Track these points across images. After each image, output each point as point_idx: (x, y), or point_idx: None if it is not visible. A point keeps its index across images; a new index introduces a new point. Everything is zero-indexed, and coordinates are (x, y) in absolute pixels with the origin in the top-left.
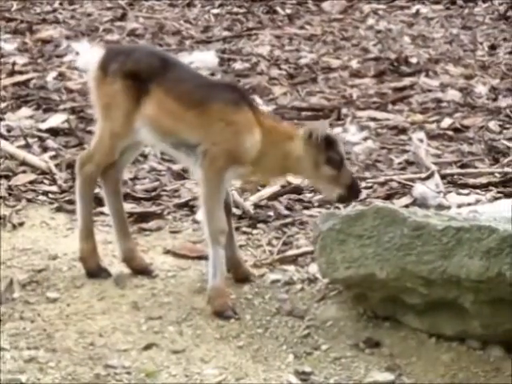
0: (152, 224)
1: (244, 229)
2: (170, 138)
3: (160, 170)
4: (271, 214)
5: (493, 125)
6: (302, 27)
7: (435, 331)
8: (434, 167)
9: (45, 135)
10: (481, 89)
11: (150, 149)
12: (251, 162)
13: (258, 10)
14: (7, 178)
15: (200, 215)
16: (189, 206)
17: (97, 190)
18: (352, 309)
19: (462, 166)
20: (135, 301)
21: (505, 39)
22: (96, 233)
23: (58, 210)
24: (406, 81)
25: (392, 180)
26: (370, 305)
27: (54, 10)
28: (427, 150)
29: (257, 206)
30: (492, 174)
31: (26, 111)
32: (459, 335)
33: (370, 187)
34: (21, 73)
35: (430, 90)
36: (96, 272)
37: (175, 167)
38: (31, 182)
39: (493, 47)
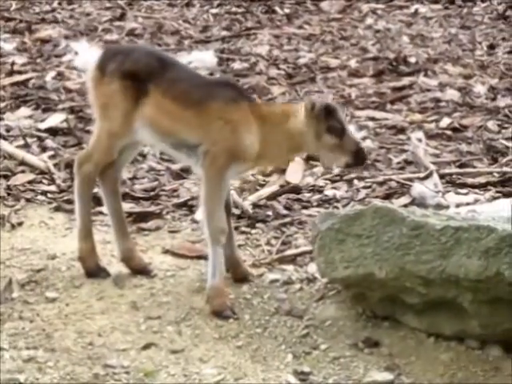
0: (151, 224)
1: (243, 228)
2: (169, 138)
3: (159, 170)
4: (270, 213)
5: (491, 124)
6: (300, 27)
7: (434, 331)
8: (432, 167)
9: (44, 135)
10: (479, 88)
11: (149, 148)
12: (256, 154)
13: (256, 10)
14: (6, 177)
15: (200, 215)
16: (188, 206)
17: (95, 190)
18: (351, 308)
19: (461, 166)
20: (134, 300)
21: (503, 39)
22: (95, 232)
23: (57, 209)
24: (405, 80)
25: (391, 180)
26: (368, 304)
27: (53, 10)
28: (426, 149)
29: (255, 205)
30: (491, 173)
31: (24, 111)
32: (458, 335)
33: (369, 187)
34: (20, 72)
35: (428, 90)
36: (95, 272)
37: (174, 167)
38: (30, 182)
39: (491, 47)
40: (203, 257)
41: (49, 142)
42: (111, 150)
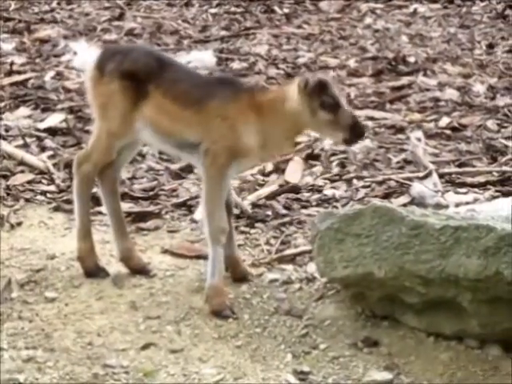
0: (150, 223)
1: (242, 228)
2: (171, 138)
3: (158, 170)
4: (269, 213)
5: (491, 124)
6: (299, 26)
7: (433, 330)
8: (431, 166)
9: (43, 135)
10: (479, 88)
11: (148, 148)
12: (259, 146)
13: (255, 10)
14: (5, 177)
15: (200, 214)
16: (187, 206)
17: (94, 190)
18: (350, 308)
19: (460, 165)
20: (133, 300)
21: (502, 38)
22: (94, 232)
23: (56, 209)
24: (404, 80)
25: (390, 179)
26: (368, 304)
27: (52, 10)
28: (425, 149)
29: (255, 205)
30: (490, 172)
31: (24, 111)
32: (457, 334)
33: (368, 186)
34: (19, 72)
35: (427, 89)
36: (94, 271)
37: (173, 167)
38: (29, 182)
39: (491, 46)
40: (202, 256)
41: (48, 142)
42: (110, 150)
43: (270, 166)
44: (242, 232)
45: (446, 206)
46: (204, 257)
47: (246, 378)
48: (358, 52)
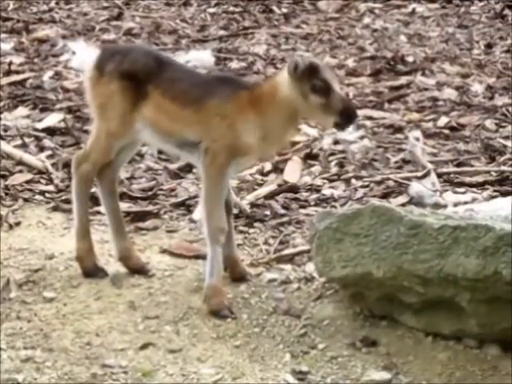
0: (148, 223)
1: (241, 228)
2: (171, 138)
3: (156, 170)
4: (268, 212)
5: (489, 123)
6: (298, 26)
7: (432, 330)
8: (430, 166)
9: (41, 135)
10: (477, 87)
11: (147, 148)
12: (258, 141)
13: (254, 9)
14: (4, 177)
15: (199, 214)
16: (185, 206)
17: (93, 190)
18: (349, 308)
19: (459, 165)
20: (132, 300)
21: (501, 38)
22: (92, 232)
23: (55, 209)
24: (403, 79)
25: (388, 179)
26: (366, 304)
27: (51, 10)
28: (423, 148)
29: (253, 204)
30: (488, 172)
31: (22, 111)
32: (456, 334)
33: (367, 186)
34: (17, 72)
35: (426, 89)
36: (92, 271)
37: (172, 166)
38: (28, 182)
39: (489, 46)
40: (201, 256)
41: (46, 142)
42: (109, 150)
43: (268, 166)
44: (241, 232)
45: (445, 206)
46: (203, 257)
47: (244, 378)
48: (356, 52)
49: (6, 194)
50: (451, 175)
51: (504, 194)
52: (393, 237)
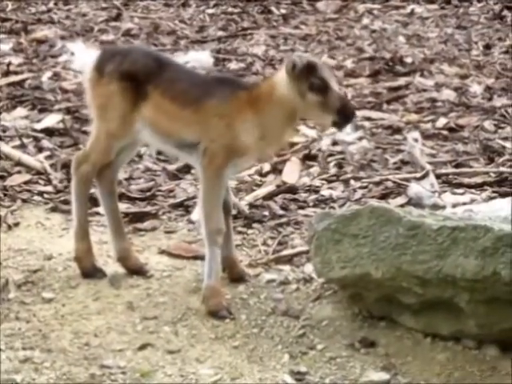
0: (147, 224)
1: (239, 228)
2: (170, 138)
3: (155, 170)
4: (266, 213)
5: (488, 124)
6: (296, 27)
7: (431, 331)
8: (428, 167)
9: (40, 135)
10: (476, 88)
11: (145, 149)
12: (257, 141)
13: (252, 10)
14: (2, 178)
15: (197, 214)
16: (184, 206)
17: (92, 190)
18: (347, 308)
19: (457, 166)
20: (130, 301)
21: (500, 39)
22: (91, 233)
23: (53, 210)
24: (401, 80)
25: (387, 180)
26: (365, 304)
27: (49, 10)
28: (422, 149)
29: (252, 205)
30: (487, 173)
31: (21, 111)
32: (455, 335)
33: (366, 187)
34: (16, 73)
35: (424, 90)
36: (91, 272)
37: (170, 167)
38: (26, 183)
39: (488, 47)
40: (199, 257)
41: (45, 143)
42: (109, 151)
43: (267, 167)
44: (240, 232)
45: (443, 207)
46: (201, 257)
47: (242, 379)
48: (355, 52)
49: (5, 194)
50: (450, 176)
51: (503, 195)
52: (391, 238)
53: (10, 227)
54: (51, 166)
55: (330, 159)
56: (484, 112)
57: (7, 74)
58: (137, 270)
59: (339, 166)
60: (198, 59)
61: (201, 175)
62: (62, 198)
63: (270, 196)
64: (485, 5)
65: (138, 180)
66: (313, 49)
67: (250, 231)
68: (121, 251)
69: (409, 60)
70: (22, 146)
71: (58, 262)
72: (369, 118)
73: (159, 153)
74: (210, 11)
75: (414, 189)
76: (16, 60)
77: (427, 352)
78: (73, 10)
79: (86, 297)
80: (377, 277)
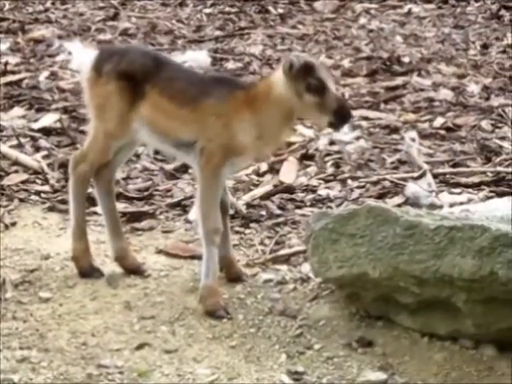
0: (144, 224)
1: (237, 228)
2: (168, 137)
3: (152, 170)
4: (263, 213)
5: (485, 124)
6: (294, 27)
7: (428, 330)
8: (426, 166)
9: (37, 135)
10: (473, 88)
11: (143, 148)
12: (254, 140)
13: (250, 10)
14: None
15: (195, 214)
16: (181, 206)
17: (89, 190)
18: (344, 308)
19: (455, 166)
20: (128, 300)
21: (497, 38)
22: (88, 232)
23: (51, 209)
24: (399, 80)
25: (384, 179)
26: (362, 304)
27: (46, 10)
28: (419, 149)
29: (249, 205)
30: (484, 173)
31: (18, 111)
32: (452, 334)
33: (363, 186)
34: (13, 72)
35: (422, 90)
36: (88, 272)
37: (168, 167)
38: (23, 182)
39: (485, 46)
40: (197, 257)
41: (42, 142)
42: (107, 151)
43: (264, 167)
44: (237, 232)
45: (441, 207)
46: (198, 257)
47: (240, 379)
48: (352, 52)
49: (2, 194)
50: (447, 176)
51: (500, 195)
52: (389, 237)
53: (7, 227)
54: (48, 165)
55: (327, 159)
56: (481, 112)
57: (4, 73)
58: (134, 270)
59: (336, 165)
60: (196, 59)
61: (198, 175)
62: (59, 198)
63: (267, 196)
64: (482, 4)
65: (136, 180)
66: (310, 48)
67: (247, 231)
68: (118, 251)
69: (406, 59)
70: (20, 146)
71: (56, 261)
72: (366, 118)
73: (157, 152)
74: (208, 11)
75: (412, 188)
76: (13, 59)
77: (424, 352)
78: (70, 10)
79: (83, 296)
80: (374, 276)
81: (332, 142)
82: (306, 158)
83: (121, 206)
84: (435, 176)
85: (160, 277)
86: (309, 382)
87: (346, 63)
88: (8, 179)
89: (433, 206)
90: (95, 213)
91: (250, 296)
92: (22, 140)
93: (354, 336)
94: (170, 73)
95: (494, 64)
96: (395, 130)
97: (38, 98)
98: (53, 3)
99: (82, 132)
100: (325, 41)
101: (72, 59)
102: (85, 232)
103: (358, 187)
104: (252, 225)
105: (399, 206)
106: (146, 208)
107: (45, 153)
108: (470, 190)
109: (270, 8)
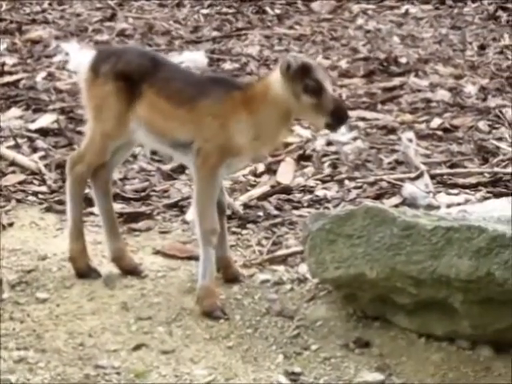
0: (141, 224)
1: (233, 229)
2: (164, 138)
3: (149, 171)
4: (261, 214)
5: (482, 125)
6: (291, 27)
7: (425, 331)
8: (423, 167)
9: (34, 135)
10: (470, 89)
11: (140, 149)
12: (251, 141)
13: (247, 10)
14: None
15: (191, 215)
16: (178, 207)
17: (86, 191)
18: (342, 309)
19: (452, 166)
20: (125, 301)
21: (494, 39)
22: (86, 233)
23: (48, 210)
24: (396, 81)
25: (382, 180)
26: (359, 305)
27: (44, 11)
28: (416, 149)
29: (246, 206)
30: (481, 173)
31: (15, 111)
32: (449, 335)
33: (360, 187)
34: (10, 73)
35: (419, 90)
36: (86, 272)
37: (165, 167)
38: (21, 183)
39: (482, 47)
40: (194, 257)
41: (39, 143)
42: (104, 151)
43: (261, 167)
44: (234, 233)
45: (438, 207)
46: (195, 258)
47: (237, 379)
48: (349, 53)
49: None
50: (444, 176)
51: (497, 196)
52: (386, 238)
53: (4, 227)
54: (46, 166)
55: (324, 159)
56: (478, 112)
57: (1, 74)
58: (131, 271)
59: (334, 166)
60: (193, 59)
61: (195, 175)
62: (56, 198)
63: (264, 196)
64: (479, 5)
65: (133, 180)
66: (307, 49)
67: (244, 231)
68: (115, 251)
69: (403, 60)
70: (17, 146)
71: (53, 262)
72: (363, 119)
73: (154, 153)
74: (205, 11)
75: (409, 189)
76: (10, 60)
77: (421, 352)
78: (67, 10)
79: (80, 297)
80: (371, 277)
81: (329, 143)
82: (303, 158)
83: (118, 207)
84: (432, 177)
85: (157, 277)
86: (306, 383)
87: (343, 64)
88: (5, 180)
89: (430, 207)
90: (92, 213)
91: (247, 296)
92: (19, 141)
93: (351, 337)
94: (167, 73)
95: (491, 65)
96: (392, 130)
97: (35, 99)
98: (50, 4)
99: (80, 133)
100: (322, 41)
101: (69, 60)
102: (82, 233)
103: (355, 188)
104: (249, 225)
105: (396, 206)
106: (143, 209)
107: (42, 153)
108: (467, 190)
109: (267, 9)
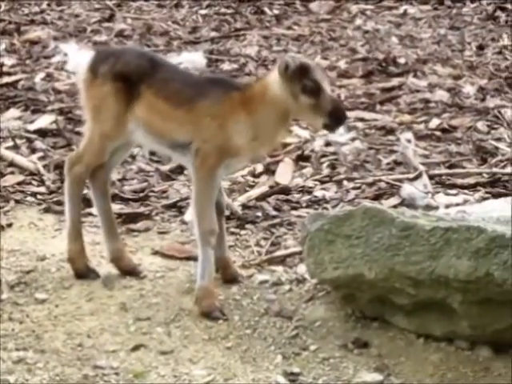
0: (140, 225)
1: (232, 229)
2: (163, 138)
3: (148, 171)
4: (259, 214)
5: (481, 125)
6: (289, 28)
7: (424, 331)
8: (422, 168)
9: (33, 136)
10: (469, 89)
11: (138, 150)
12: (250, 141)
13: (245, 11)
14: None
15: (190, 215)
16: (177, 207)
17: (85, 191)
18: (340, 309)
19: (450, 167)
20: (123, 302)
21: (493, 39)
22: (84, 234)
23: (47, 210)
24: (394, 81)
25: (380, 180)
26: (358, 305)
27: (42, 11)
28: (415, 150)
29: (245, 206)
30: (480, 174)
31: (14, 112)
32: (448, 335)
33: (359, 187)
34: (9, 74)
35: (417, 91)
36: (84, 273)
37: (163, 168)
38: (19, 183)
39: (481, 47)
40: (192, 258)
41: (38, 144)
42: (103, 152)
43: (260, 168)
44: (232, 233)
45: (436, 208)
46: (194, 258)
47: (236, 379)
48: (348, 53)
49: None
50: (443, 177)
51: (496, 196)
52: (384, 238)
53: (3, 228)
54: (44, 166)
55: (322, 160)
56: (477, 113)
57: (0, 75)
58: (130, 271)
59: (332, 166)
60: (191, 60)
61: (193, 176)
62: (55, 199)
63: (262, 197)
64: (478, 5)
65: (131, 181)
66: (306, 49)
67: (242, 232)
68: (114, 252)
69: (402, 61)
70: (15, 147)
71: (51, 262)
72: (362, 119)
73: (152, 154)
74: (203, 12)
75: (407, 189)
76: (9, 61)
77: (420, 353)
78: (66, 11)
79: (79, 298)
80: (370, 277)
81: (328, 143)
82: (301, 159)
83: (116, 207)
84: (431, 177)
85: (156, 278)
86: (304, 383)
87: (342, 64)
88: (4, 180)
89: (429, 207)
90: (91, 214)
91: (246, 297)
92: (18, 141)
93: (350, 337)
94: (166, 74)
95: (490, 65)
96: (391, 131)
97: (33, 100)
98: (48, 4)
99: (78, 133)
100: (320, 42)
101: (68, 60)
102: (80, 233)
103: (354, 188)
104: (248, 226)
105: (395, 207)
106: (142, 209)
107: (41, 154)
108: (466, 191)
109: (266, 9)
